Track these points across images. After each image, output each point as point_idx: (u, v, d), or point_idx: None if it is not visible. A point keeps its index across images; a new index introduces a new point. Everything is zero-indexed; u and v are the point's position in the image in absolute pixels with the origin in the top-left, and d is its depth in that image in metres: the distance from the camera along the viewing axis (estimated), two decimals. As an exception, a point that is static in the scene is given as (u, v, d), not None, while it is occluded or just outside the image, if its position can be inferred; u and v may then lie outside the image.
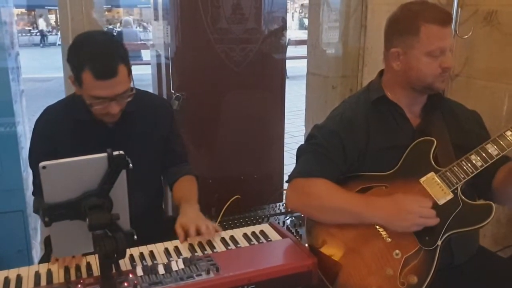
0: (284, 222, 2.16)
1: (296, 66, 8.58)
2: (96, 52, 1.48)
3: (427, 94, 1.53)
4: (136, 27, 16.04)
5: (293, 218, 2.15)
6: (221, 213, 2.03)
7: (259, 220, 2.20)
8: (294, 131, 5.61)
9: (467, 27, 2.19)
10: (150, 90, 3.16)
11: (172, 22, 2.55)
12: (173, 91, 2.51)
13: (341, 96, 2.75)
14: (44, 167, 1.04)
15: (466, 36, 2.18)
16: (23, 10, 23.85)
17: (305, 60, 3.10)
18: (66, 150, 1.58)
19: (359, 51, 2.73)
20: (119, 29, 13.66)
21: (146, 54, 8.25)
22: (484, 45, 2.17)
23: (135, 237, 1.15)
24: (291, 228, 2.08)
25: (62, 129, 1.63)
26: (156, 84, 2.74)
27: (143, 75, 4.62)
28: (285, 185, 2.94)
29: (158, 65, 2.73)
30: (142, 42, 10.84)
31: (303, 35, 12.83)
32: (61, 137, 1.62)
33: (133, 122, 1.68)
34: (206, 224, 1.51)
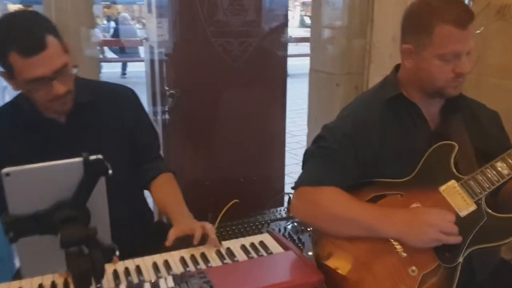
0: (285, 228, 2.04)
1: (296, 64, 8.51)
2: (16, 29, 1.30)
3: (439, 98, 1.40)
4: (135, 24, 15.91)
5: (295, 224, 2.03)
6: (218, 219, 1.91)
7: (259, 226, 2.07)
8: (295, 131, 5.50)
9: (479, 22, 2.10)
10: (145, 87, 3.05)
11: (166, 14, 2.43)
12: (166, 88, 2.40)
13: (345, 94, 2.63)
14: (7, 174, 0.89)
15: (477, 31, 2.09)
16: (20, 6, 23.79)
17: (306, 58, 3.01)
18: (20, 154, 1.33)
19: (366, 46, 2.60)
20: (115, 26, 13.44)
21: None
22: (497, 41, 2.11)
23: (117, 252, 1.01)
24: (292, 235, 1.96)
25: (12, 134, 1.45)
26: (150, 81, 2.65)
27: (141, 72, 4.55)
28: (287, 188, 2.83)
29: (152, 61, 2.62)
30: (139, 38, 10.75)
31: (304, 33, 12.82)
32: (12, 142, 1.44)
33: (88, 115, 1.50)
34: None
